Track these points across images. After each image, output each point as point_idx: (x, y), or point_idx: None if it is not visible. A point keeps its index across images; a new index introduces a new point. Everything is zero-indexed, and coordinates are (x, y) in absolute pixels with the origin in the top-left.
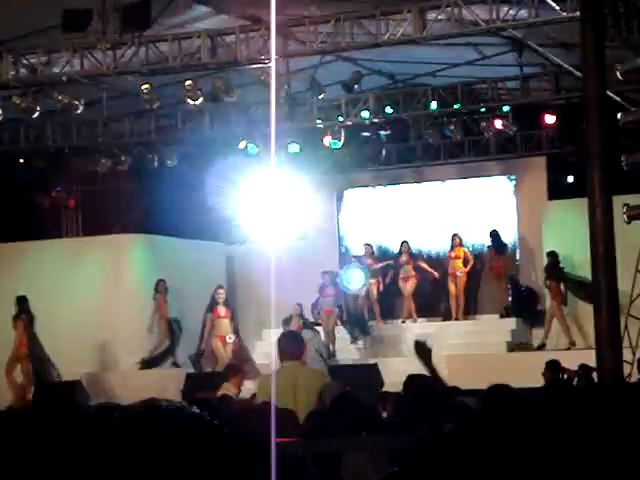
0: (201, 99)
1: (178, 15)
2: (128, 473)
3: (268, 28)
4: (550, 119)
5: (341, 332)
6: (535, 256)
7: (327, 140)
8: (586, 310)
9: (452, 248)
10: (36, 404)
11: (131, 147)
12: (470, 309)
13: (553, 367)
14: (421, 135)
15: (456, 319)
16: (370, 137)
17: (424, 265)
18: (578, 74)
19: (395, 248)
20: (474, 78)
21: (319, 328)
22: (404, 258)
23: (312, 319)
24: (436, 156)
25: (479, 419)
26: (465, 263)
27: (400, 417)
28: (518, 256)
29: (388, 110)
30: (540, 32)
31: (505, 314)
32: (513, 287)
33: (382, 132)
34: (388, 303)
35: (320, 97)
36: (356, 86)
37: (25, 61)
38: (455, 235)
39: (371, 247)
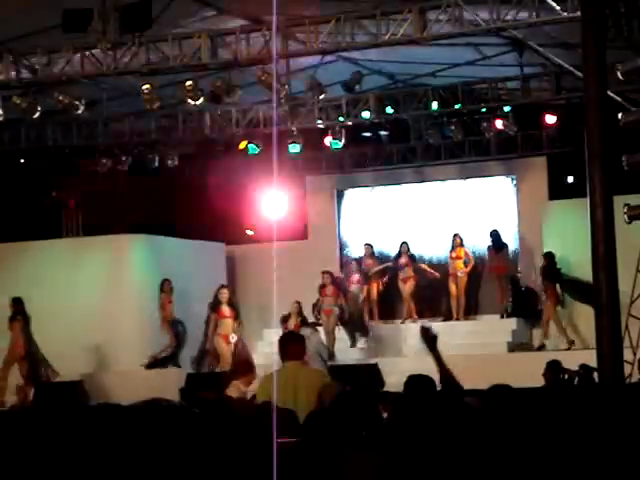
0: (201, 99)
1: (178, 15)
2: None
3: (269, 28)
4: (550, 119)
5: (341, 332)
6: (535, 256)
7: (328, 140)
8: (585, 310)
9: (453, 248)
10: (37, 404)
11: (131, 147)
12: (471, 309)
13: (554, 367)
14: (421, 135)
15: (457, 319)
16: (370, 137)
17: (423, 266)
18: (579, 74)
19: (395, 249)
20: (474, 78)
21: (320, 328)
22: (403, 259)
23: (313, 319)
24: (436, 156)
25: (480, 419)
26: (466, 263)
27: (400, 417)
28: (518, 256)
29: (389, 110)
30: (540, 32)
31: (506, 314)
32: (513, 287)
33: (382, 132)
34: (388, 304)
35: (320, 97)
36: (357, 86)
37: (25, 61)
38: (456, 235)
39: (371, 247)
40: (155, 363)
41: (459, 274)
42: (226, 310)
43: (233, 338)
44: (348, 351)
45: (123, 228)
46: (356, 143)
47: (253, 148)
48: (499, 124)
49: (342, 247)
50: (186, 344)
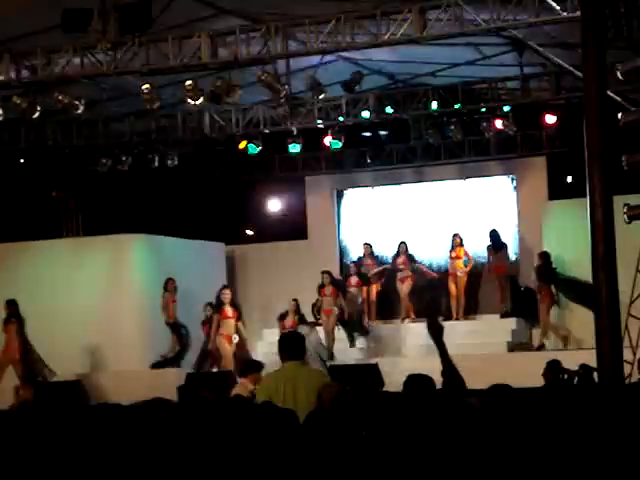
0: (201, 99)
1: (178, 15)
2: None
3: (268, 28)
4: (550, 119)
5: (341, 332)
6: (535, 256)
7: (327, 140)
8: (580, 310)
9: (453, 248)
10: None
11: (131, 147)
12: (470, 309)
13: (553, 367)
14: (421, 135)
15: (456, 319)
16: (370, 137)
17: (420, 266)
18: (578, 74)
19: (394, 248)
20: (474, 78)
21: (319, 328)
22: (401, 259)
23: (312, 319)
24: (436, 156)
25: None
26: (466, 263)
27: (400, 417)
28: (518, 256)
29: (388, 110)
30: (540, 32)
31: (505, 314)
32: (513, 287)
33: (382, 132)
34: (387, 303)
35: (320, 97)
36: (357, 86)
37: (25, 61)
38: (456, 235)
39: (370, 247)
40: (163, 363)
41: (459, 274)
42: (229, 311)
43: (235, 339)
44: (348, 351)
45: (123, 228)
46: (356, 143)
47: (253, 148)
48: (499, 124)
49: (341, 247)
50: (190, 348)
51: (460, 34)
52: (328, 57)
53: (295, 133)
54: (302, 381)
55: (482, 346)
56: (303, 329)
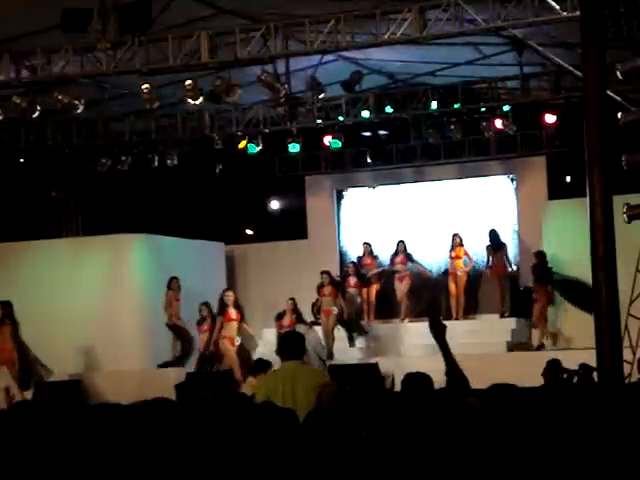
0: (201, 98)
1: (178, 15)
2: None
3: (268, 28)
4: (550, 119)
5: (340, 332)
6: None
7: (327, 140)
8: (574, 310)
9: (452, 248)
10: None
11: (131, 147)
12: (470, 309)
13: (553, 367)
14: (421, 135)
15: (456, 319)
16: (370, 137)
17: (418, 265)
18: (578, 74)
19: (394, 248)
20: (474, 77)
21: (317, 328)
22: (400, 257)
23: (312, 319)
24: (436, 156)
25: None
26: (465, 263)
27: (399, 416)
28: (518, 256)
29: (388, 110)
30: (540, 32)
31: (504, 314)
32: (513, 287)
33: (382, 132)
34: (386, 303)
35: (320, 97)
36: (356, 86)
37: (25, 61)
38: (455, 235)
39: (370, 246)
40: (168, 364)
41: (459, 273)
42: (233, 313)
43: (237, 341)
44: (347, 351)
45: (123, 228)
46: (356, 143)
47: (253, 147)
48: (498, 123)
49: (341, 247)
50: (195, 351)
51: (460, 34)
52: (328, 57)
53: (295, 133)
54: (301, 380)
55: (482, 346)
56: (300, 328)
